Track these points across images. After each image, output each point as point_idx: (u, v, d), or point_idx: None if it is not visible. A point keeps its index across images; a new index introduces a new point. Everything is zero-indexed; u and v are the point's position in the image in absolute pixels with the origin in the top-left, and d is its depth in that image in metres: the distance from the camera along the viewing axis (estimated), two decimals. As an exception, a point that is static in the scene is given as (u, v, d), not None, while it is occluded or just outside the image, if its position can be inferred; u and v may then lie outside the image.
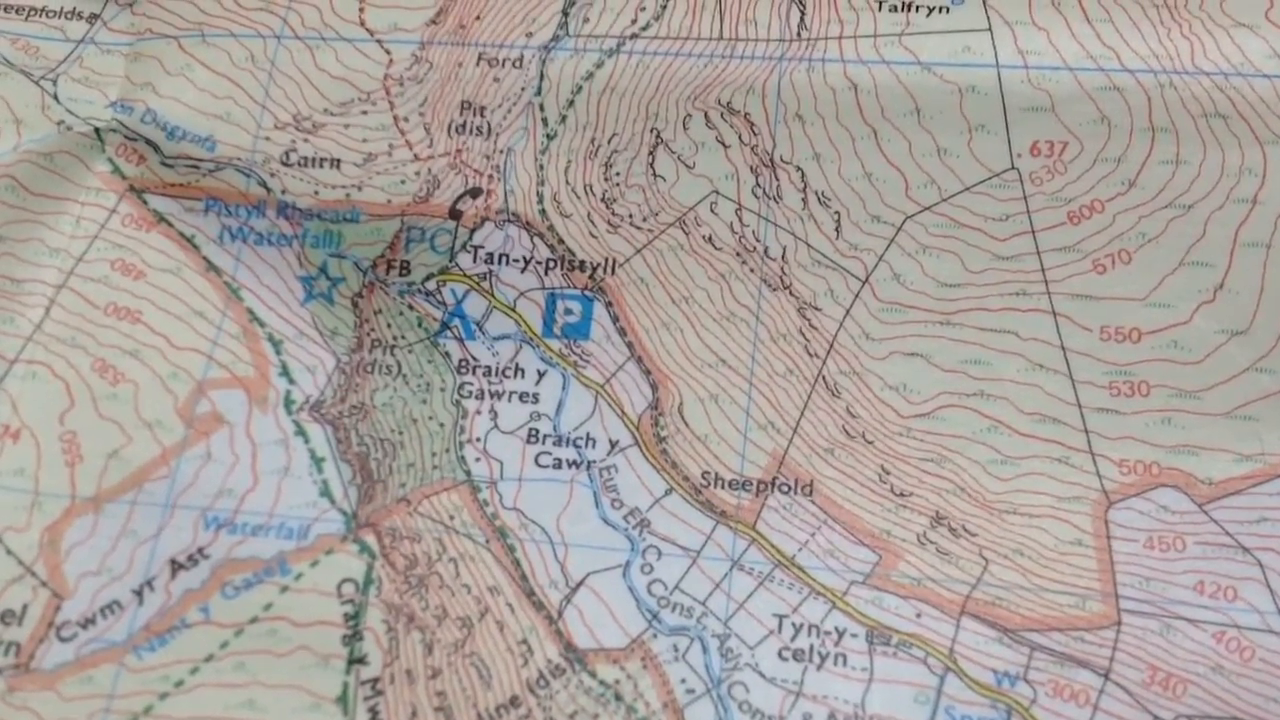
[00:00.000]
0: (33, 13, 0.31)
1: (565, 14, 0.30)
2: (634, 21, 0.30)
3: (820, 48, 0.29)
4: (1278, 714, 0.24)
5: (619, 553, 0.26)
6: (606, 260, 0.28)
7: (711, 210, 0.28)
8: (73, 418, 0.27)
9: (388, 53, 0.30)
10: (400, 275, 0.28)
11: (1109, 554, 0.25)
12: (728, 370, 0.27)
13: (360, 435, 0.27)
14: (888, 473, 0.26)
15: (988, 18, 0.28)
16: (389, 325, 0.28)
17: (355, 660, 0.26)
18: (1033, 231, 0.27)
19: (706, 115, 0.29)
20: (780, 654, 0.25)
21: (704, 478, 0.27)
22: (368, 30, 0.30)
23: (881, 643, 0.25)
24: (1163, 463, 0.26)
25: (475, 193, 0.29)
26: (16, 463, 0.27)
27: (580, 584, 0.26)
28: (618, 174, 0.29)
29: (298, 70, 0.30)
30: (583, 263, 0.28)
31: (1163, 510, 0.26)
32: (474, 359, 0.28)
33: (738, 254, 0.28)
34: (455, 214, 0.29)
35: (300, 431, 0.27)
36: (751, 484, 0.26)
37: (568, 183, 0.29)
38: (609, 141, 0.29)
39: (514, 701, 0.25)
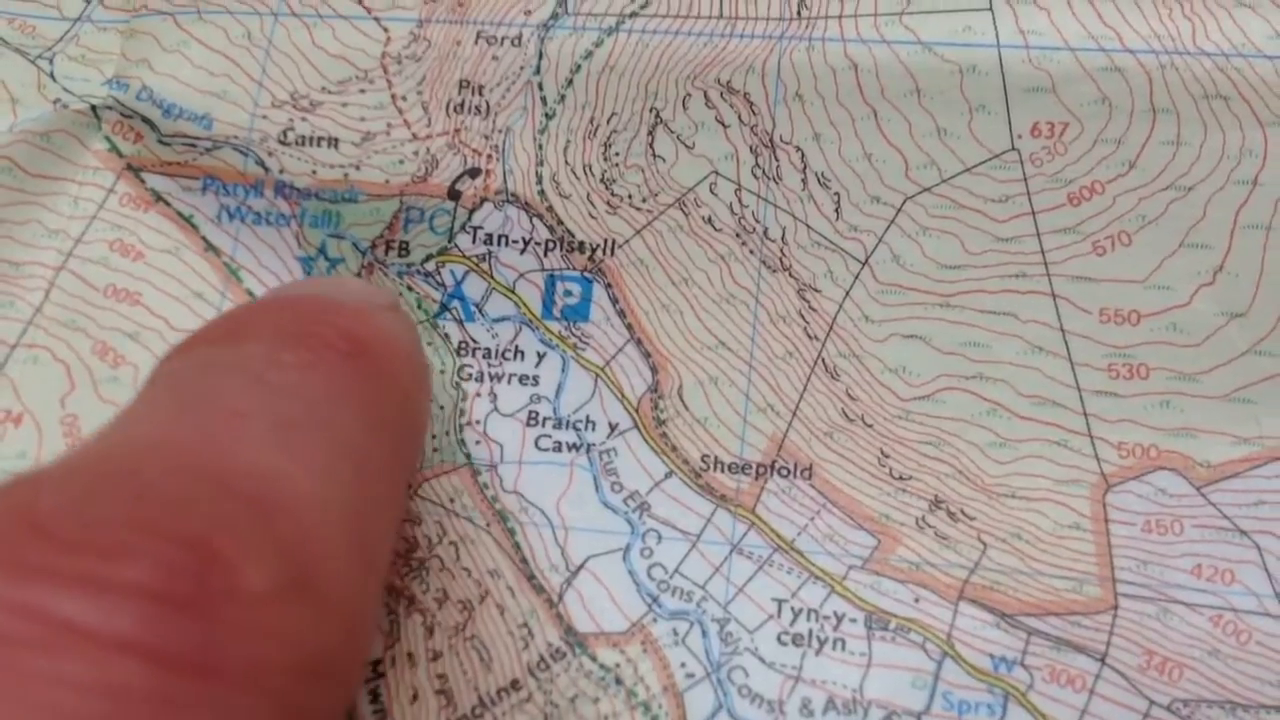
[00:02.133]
0: (28, -9, 0.31)
1: (564, -10, 0.30)
2: (633, -1, 0.29)
3: (820, 27, 0.29)
4: (1274, 697, 0.24)
5: (619, 536, 0.26)
6: (606, 241, 0.28)
7: (711, 191, 0.28)
8: (73, 401, 0.27)
9: (385, 30, 0.30)
10: (399, 256, 0.28)
11: (1106, 537, 0.26)
12: (727, 352, 0.27)
13: (360, 418, 0.27)
14: (887, 456, 0.26)
15: (989, -4, 0.28)
16: (388, 307, 0.28)
17: (357, 643, 0.26)
18: (1033, 213, 0.27)
19: (706, 95, 0.29)
20: (779, 638, 0.25)
21: (703, 461, 0.27)
22: (365, 7, 0.30)
23: (880, 627, 0.25)
24: (1161, 446, 0.26)
25: (474, 173, 0.29)
26: (18, 446, 0.27)
27: (580, 567, 0.26)
28: (617, 154, 0.29)
29: (295, 48, 0.30)
30: (582, 244, 0.28)
31: (1161, 493, 0.26)
32: (473, 341, 0.28)
33: (737, 235, 0.28)
34: (454, 194, 0.29)
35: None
36: (751, 467, 0.27)
37: (567, 163, 0.29)
38: (608, 121, 0.29)
39: (515, 685, 0.25)
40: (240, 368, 0.20)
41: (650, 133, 0.29)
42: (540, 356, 0.28)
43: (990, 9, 0.28)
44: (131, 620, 0.15)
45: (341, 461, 0.20)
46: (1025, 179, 0.27)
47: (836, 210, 0.28)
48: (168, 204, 0.29)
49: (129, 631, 0.15)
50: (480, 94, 0.29)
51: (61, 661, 0.14)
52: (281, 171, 0.29)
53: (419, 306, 0.28)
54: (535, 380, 0.27)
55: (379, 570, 0.20)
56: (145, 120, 0.29)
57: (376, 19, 0.30)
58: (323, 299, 0.23)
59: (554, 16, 0.29)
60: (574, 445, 0.27)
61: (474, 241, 0.28)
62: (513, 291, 0.28)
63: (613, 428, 0.27)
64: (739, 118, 0.28)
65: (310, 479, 0.18)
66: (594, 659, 0.25)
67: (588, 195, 0.28)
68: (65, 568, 0.15)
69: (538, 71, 0.29)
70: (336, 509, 0.19)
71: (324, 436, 0.20)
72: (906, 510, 0.26)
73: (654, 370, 0.27)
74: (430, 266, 0.28)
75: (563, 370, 0.27)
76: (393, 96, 0.29)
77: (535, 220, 0.28)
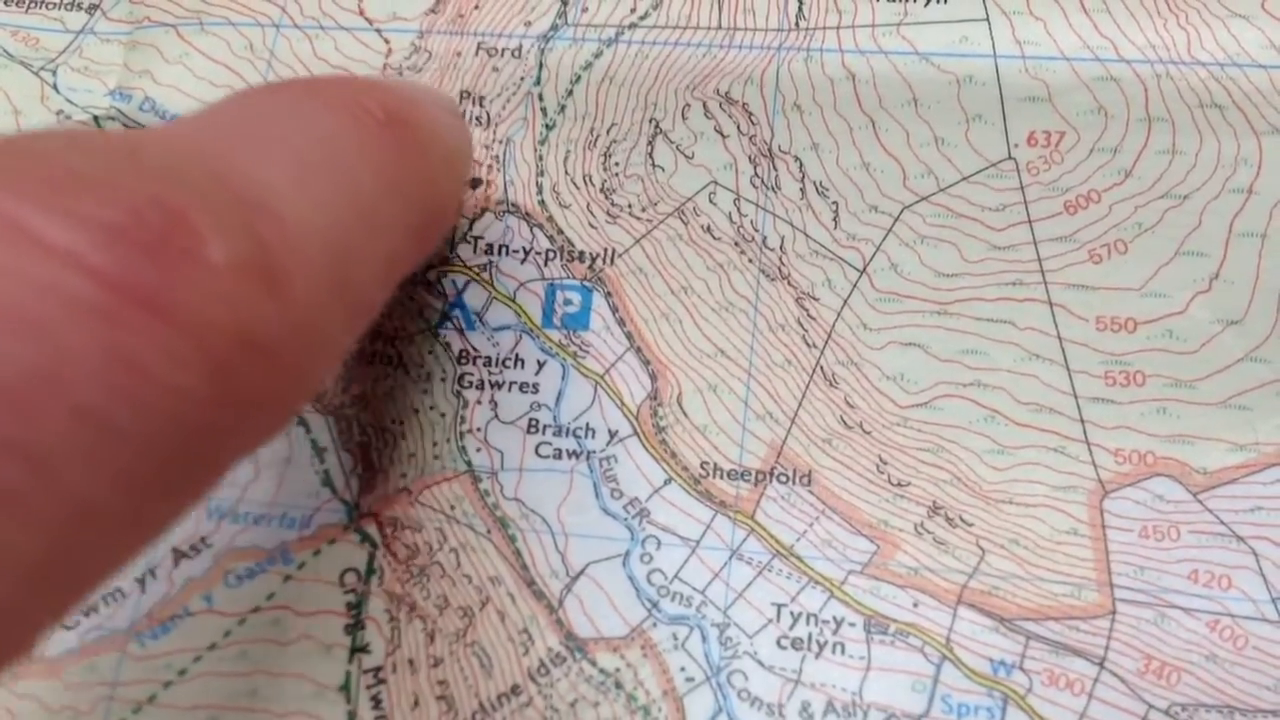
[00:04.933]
0: (33, 4, 0.31)
1: (564, 2, 0.30)
2: (633, 10, 0.30)
3: (818, 37, 0.29)
4: (1271, 701, 0.24)
5: (619, 542, 0.26)
6: (606, 251, 0.28)
7: (710, 200, 0.28)
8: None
9: (386, 42, 0.30)
10: (400, 265, 0.29)
11: (1104, 543, 0.26)
12: (726, 360, 0.27)
13: (362, 425, 0.28)
14: (885, 463, 0.27)
15: (985, 7, 0.29)
16: (390, 316, 0.28)
17: (358, 649, 0.26)
18: (1029, 221, 0.27)
19: (705, 105, 0.29)
20: (779, 642, 0.25)
21: (703, 468, 0.27)
22: (367, 19, 0.30)
23: (879, 632, 0.25)
24: (1158, 452, 0.26)
25: (475, 183, 0.29)
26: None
27: (580, 573, 0.26)
28: (617, 164, 0.29)
29: (297, 59, 0.30)
30: (582, 253, 0.28)
31: (1158, 499, 0.26)
32: (474, 349, 0.28)
33: (736, 244, 0.28)
34: (455, 204, 0.29)
35: (301, 422, 0.27)
36: (750, 474, 0.27)
37: (567, 173, 0.29)
38: (608, 131, 0.29)
39: (515, 690, 0.25)
40: (278, 109, 0.22)
41: (650, 143, 0.29)
42: (540, 365, 0.28)
43: (987, 20, 0.28)
44: (90, 244, 0.16)
45: (345, 204, 0.21)
46: (1022, 188, 0.28)
47: (835, 219, 0.28)
48: (170, 214, 0.29)
49: (85, 251, 0.16)
50: (481, 105, 0.30)
51: (13, 256, 0.15)
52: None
53: (420, 316, 0.28)
54: (535, 388, 0.28)
55: (353, 310, 0.21)
56: (148, 131, 0.30)
57: (378, 30, 0.30)
58: (378, 82, 0.25)
59: (554, 28, 0.30)
60: (574, 452, 0.27)
61: (475, 251, 0.29)
62: (513, 300, 0.28)
63: (612, 435, 0.27)
64: (738, 128, 0.29)
65: (304, 203, 0.19)
66: (594, 664, 0.25)
67: (588, 205, 0.29)
68: (42, 192, 0.16)
69: (538, 82, 0.29)
70: (322, 236, 0.20)
71: (334, 178, 0.21)
72: (905, 516, 0.26)
73: (653, 378, 0.27)
74: (431, 276, 0.28)
75: (563, 378, 0.28)
76: (394, 108, 0.30)
77: (535, 230, 0.29)
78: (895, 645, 0.25)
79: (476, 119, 0.29)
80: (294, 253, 0.19)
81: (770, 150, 0.28)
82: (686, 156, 0.29)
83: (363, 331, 0.22)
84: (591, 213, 0.29)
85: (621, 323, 0.28)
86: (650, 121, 0.29)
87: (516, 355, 0.28)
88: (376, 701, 0.25)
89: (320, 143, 0.21)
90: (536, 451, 0.27)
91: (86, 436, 0.16)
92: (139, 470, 0.16)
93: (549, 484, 0.27)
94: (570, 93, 0.29)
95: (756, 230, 0.28)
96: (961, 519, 0.26)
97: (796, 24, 0.29)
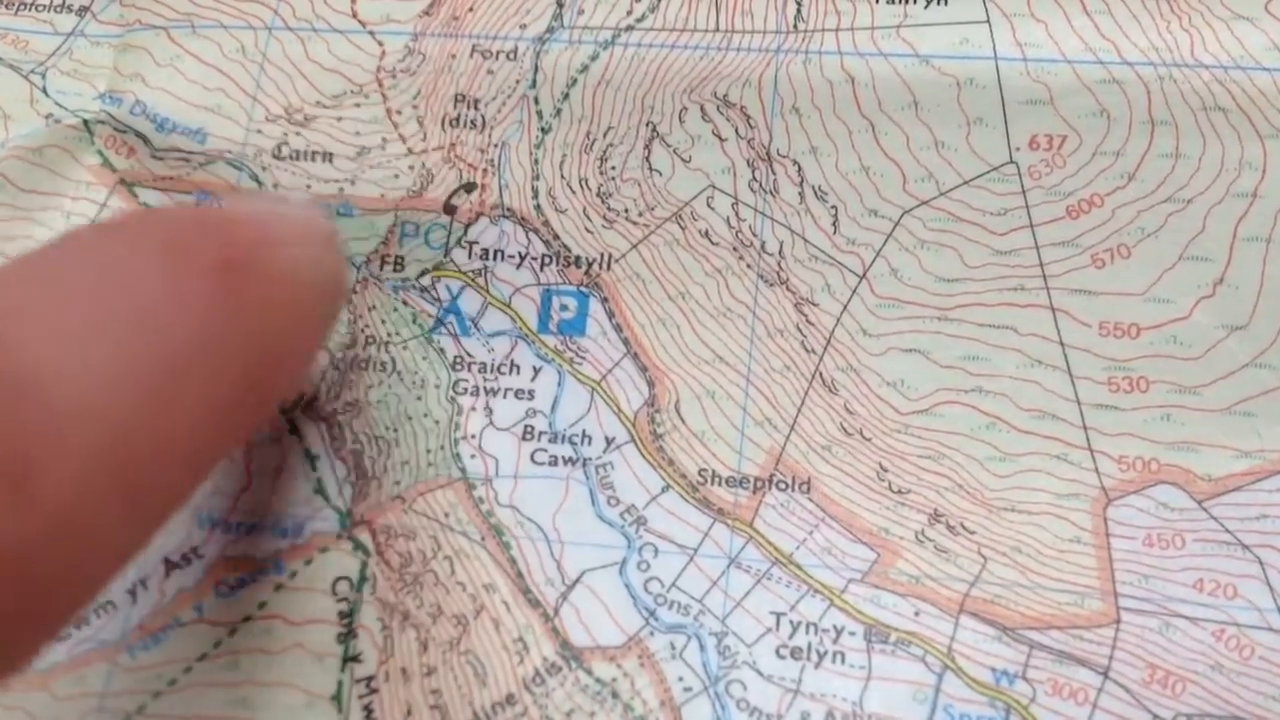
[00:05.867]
0: (22, 6, 0.31)
1: (560, 4, 0.30)
2: (629, 13, 0.29)
3: (817, 40, 0.28)
4: (1277, 712, 0.24)
5: (615, 550, 0.26)
6: (602, 255, 0.28)
7: (708, 205, 0.28)
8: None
9: (380, 44, 0.30)
10: (394, 271, 0.28)
11: (1108, 551, 0.25)
12: (724, 366, 0.27)
13: (355, 432, 0.27)
14: (885, 470, 0.26)
15: (986, 9, 0.28)
16: (383, 321, 0.28)
17: (350, 658, 0.26)
18: (1031, 226, 0.27)
19: (703, 108, 0.28)
20: (778, 652, 0.25)
21: (701, 475, 0.26)
22: (360, 21, 0.30)
23: (880, 641, 0.25)
24: (1162, 459, 0.26)
25: (470, 187, 0.29)
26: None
27: (576, 582, 0.26)
28: (613, 168, 0.28)
29: (289, 62, 0.30)
30: (578, 258, 0.28)
31: (1162, 507, 0.26)
32: (469, 355, 0.28)
33: (734, 249, 0.28)
34: (450, 209, 0.28)
35: (294, 429, 0.27)
36: (749, 481, 0.26)
37: (563, 177, 0.28)
38: (604, 135, 0.29)
39: (510, 699, 0.25)
40: (86, 258, 0.20)
41: (646, 146, 0.29)
42: (536, 371, 0.27)
43: (988, 22, 0.28)
44: None
45: (143, 370, 0.18)
46: (1024, 192, 0.27)
47: (834, 224, 0.28)
48: (161, 218, 0.29)
49: None
50: (476, 108, 0.29)
51: None
52: (276, 186, 0.29)
53: (414, 321, 0.28)
54: (531, 394, 0.27)
55: (138, 500, 0.19)
56: (138, 135, 0.29)
57: (371, 32, 0.30)
58: (230, 217, 0.22)
59: (550, 30, 0.29)
60: (570, 459, 0.27)
61: (470, 256, 0.28)
62: (509, 306, 0.28)
63: (609, 442, 0.27)
64: (736, 131, 0.28)
65: (85, 380, 0.18)
66: (590, 673, 0.25)
67: (584, 209, 0.28)
68: None
69: (533, 85, 0.29)
70: (101, 418, 0.18)
71: (133, 339, 0.18)
72: (906, 524, 0.26)
73: (651, 384, 0.27)
74: (426, 281, 0.28)
75: (559, 384, 0.27)
76: (388, 111, 0.29)
77: (531, 235, 0.28)
78: (896, 654, 0.25)
79: (471, 122, 0.29)
80: (55, 445, 0.17)
81: (769, 154, 0.28)
82: (684, 160, 0.28)
83: (163, 523, 0.20)
84: (588, 217, 0.28)
85: (618, 328, 0.28)
86: (647, 125, 0.29)
87: (512, 361, 0.28)
88: (369, 711, 0.25)
89: (128, 297, 0.19)
90: (532, 458, 0.27)
91: None
92: None
93: (545, 491, 0.27)
94: (566, 96, 0.29)
95: (755, 235, 0.28)
96: (963, 526, 0.26)
97: (795, 26, 0.29)
